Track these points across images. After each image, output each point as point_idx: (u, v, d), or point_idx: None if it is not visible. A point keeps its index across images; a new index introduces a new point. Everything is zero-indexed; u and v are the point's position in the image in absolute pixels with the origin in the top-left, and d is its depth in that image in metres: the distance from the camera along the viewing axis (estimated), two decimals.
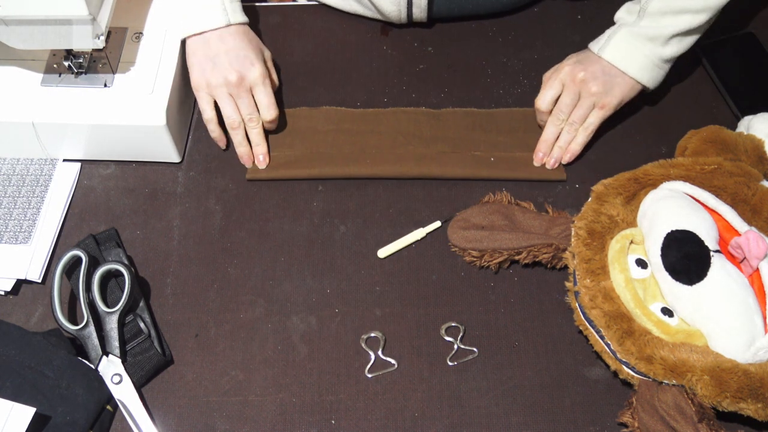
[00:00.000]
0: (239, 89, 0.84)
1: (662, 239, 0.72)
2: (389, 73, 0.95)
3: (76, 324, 0.73)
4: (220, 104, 0.85)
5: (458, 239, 0.79)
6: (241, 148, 0.86)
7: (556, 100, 0.86)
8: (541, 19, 0.99)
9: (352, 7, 0.97)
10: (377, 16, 0.96)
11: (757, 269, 0.71)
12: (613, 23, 0.87)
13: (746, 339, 0.67)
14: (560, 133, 0.86)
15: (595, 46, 0.86)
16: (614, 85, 0.84)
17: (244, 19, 0.86)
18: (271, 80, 0.87)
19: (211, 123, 0.87)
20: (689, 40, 0.84)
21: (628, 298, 0.70)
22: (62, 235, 0.83)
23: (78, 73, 0.83)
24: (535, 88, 0.93)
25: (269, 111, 0.85)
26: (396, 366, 0.75)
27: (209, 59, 0.84)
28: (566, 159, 0.86)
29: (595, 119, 0.85)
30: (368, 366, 0.75)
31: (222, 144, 0.88)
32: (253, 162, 0.86)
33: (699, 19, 0.81)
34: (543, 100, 0.86)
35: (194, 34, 0.84)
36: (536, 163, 0.86)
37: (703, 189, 0.76)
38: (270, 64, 0.88)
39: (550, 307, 0.79)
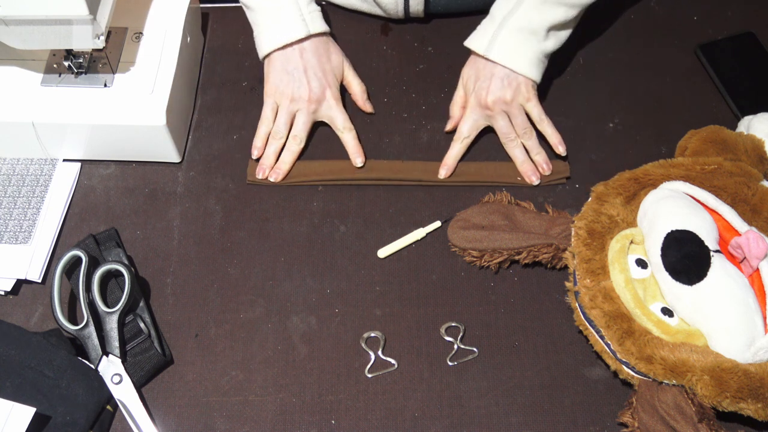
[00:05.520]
0: (303, 107, 0.86)
1: (662, 239, 0.72)
2: (389, 73, 0.95)
3: (76, 324, 0.73)
4: (279, 113, 0.87)
5: (458, 239, 0.79)
6: (268, 159, 0.86)
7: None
8: None
9: (350, 1, 0.97)
10: (375, 9, 0.96)
11: (757, 269, 0.71)
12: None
13: (746, 339, 0.67)
14: (524, 148, 0.86)
15: (478, 45, 0.85)
16: (517, 82, 0.85)
17: (324, 27, 0.87)
18: (352, 90, 0.90)
19: (262, 129, 0.87)
20: (563, 35, 0.86)
21: (628, 298, 0.70)
22: (62, 235, 0.83)
23: (78, 73, 0.83)
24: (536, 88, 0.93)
25: (346, 128, 0.87)
26: (396, 366, 0.75)
27: (287, 72, 0.86)
28: (559, 151, 0.86)
29: (537, 111, 0.86)
30: (368, 366, 0.75)
31: (256, 153, 0.87)
32: (263, 171, 0.86)
33: (571, 13, 0.84)
34: (464, 130, 0.86)
35: (276, 49, 0.86)
36: (536, 181, 0.85)
37: (703, 189, 0.76)
38: (350, 74, 0.90)
39: (550, 307, 0.79)
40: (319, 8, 0.88)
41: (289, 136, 0.87)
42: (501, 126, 0.85)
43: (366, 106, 0.90)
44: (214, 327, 0.78)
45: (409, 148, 0.89)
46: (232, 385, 0.75)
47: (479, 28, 0.87)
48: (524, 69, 0.84)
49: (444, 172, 0.85)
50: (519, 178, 0.86)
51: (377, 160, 0.87)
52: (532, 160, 0.86)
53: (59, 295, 0.73)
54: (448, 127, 0.89)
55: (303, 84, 0.85)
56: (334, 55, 0.89)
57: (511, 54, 0.83)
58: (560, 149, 0.85)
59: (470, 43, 0.87)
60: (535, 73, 0.85)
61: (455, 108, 0.89)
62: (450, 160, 0.86)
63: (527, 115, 0.86)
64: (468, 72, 0.88)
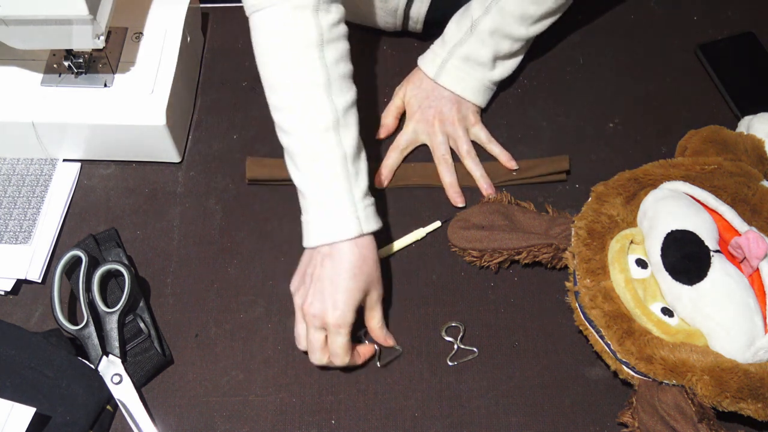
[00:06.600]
0: (314, 323, 0.71)
1: (662, 239, 0.72)
2: (389, 74, 0.95)
3: (76, 324, 0.73)
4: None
5: (458, 239, 0.79)
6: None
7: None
8: None
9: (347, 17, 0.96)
10: (373, 26, 0.96)
11: (757, 269, 0.71)
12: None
13: (746, 339, 0.67)
14: (454, 168, 0.85)
15: (429, 68, 0.87)
16: (465, 107, 0.87)
17: (377, 225, 0.73)
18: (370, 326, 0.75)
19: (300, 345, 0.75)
20: (510, 64, 0.89)
21: (628, 298, 0.70)
22: (62, 235, 0.83)
23: (78, 73, 0.83)
24: (536, 88, 0.93)
25: (338, 359, 0.72)
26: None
27: (309, 275, 0.72)
28: (511, 166, 0.86)
29: (484, 134, 0.87)
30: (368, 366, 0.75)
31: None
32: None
33: (516, 46, 0.86)
34: (403, 141, 0.87)
35: (323, 245, 0.71)
36: (461, 204, 0.84)
37: (703, 189, 0.76)
38: (376, 300, 0.74)
39: (550, 307, 0.79)
40: (373, 200, 0.74)
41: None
42: (438, 143, 0.86)
43: (386, 339, 0.76)
44: (214, 327, 0.78)
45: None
46: (232, 385, 0.75)
47: (432, 49, 0.89)
48: (470, 96, 0.87)
49: (382, 181, 0.86)
50: (514, 173, 0.86)
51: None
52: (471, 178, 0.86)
53: (59, 295, 0.73)
54: (381, 135, 0.89)
55: (315, 302, 0.71)
56: (370, 269, 0.72)
57: (458, 81, 0.86)
58: (512, 164, 0.86)
59: (422, 63, 0.88)
60: (481, 100, 0.88)
61: (389, 118, 0.89)
62: (386, 170, 0.86)
63: (473, 139, 0.87)
64: (413, 91, 0.88)
